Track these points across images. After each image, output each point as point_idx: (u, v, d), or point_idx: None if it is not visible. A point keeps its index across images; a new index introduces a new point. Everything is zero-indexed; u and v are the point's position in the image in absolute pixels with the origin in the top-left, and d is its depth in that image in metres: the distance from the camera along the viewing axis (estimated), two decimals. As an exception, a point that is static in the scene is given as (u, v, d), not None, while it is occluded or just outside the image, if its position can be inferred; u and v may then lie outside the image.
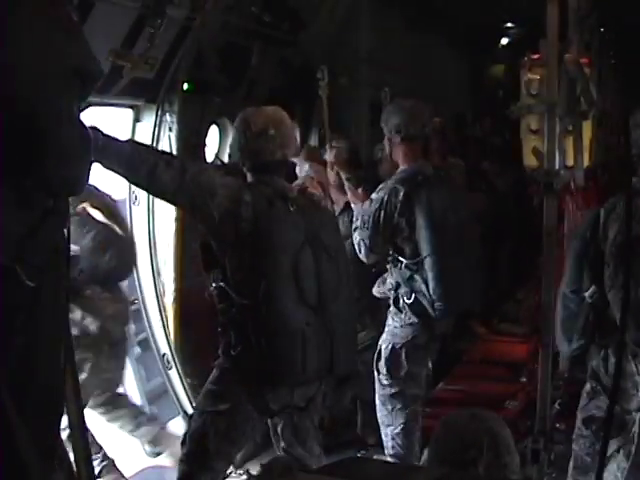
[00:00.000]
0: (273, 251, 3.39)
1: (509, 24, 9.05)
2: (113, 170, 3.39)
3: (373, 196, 4.40)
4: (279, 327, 3.38)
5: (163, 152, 3.41)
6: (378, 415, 4.61)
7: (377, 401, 4.60)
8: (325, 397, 3.91)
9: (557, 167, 3.23)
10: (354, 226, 4.48)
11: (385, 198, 4.33)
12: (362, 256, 4.45)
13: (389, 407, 4.55)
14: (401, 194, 4.30)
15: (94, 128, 3.42)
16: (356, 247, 4.44)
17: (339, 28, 6.38)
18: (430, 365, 4.84)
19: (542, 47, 3.23)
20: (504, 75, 9.87)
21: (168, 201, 3.47)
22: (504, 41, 9.57)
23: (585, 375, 3.62)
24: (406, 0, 6.72)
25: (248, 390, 3.50)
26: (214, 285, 3.48)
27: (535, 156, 3.27)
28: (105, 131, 3.28)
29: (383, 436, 4.64)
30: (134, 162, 3.33)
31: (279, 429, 3.72)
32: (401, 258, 4.40)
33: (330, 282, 3.52)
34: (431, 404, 4.87)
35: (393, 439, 4.58)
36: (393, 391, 4.52)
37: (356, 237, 4.44)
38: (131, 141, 3.32)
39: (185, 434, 3.66)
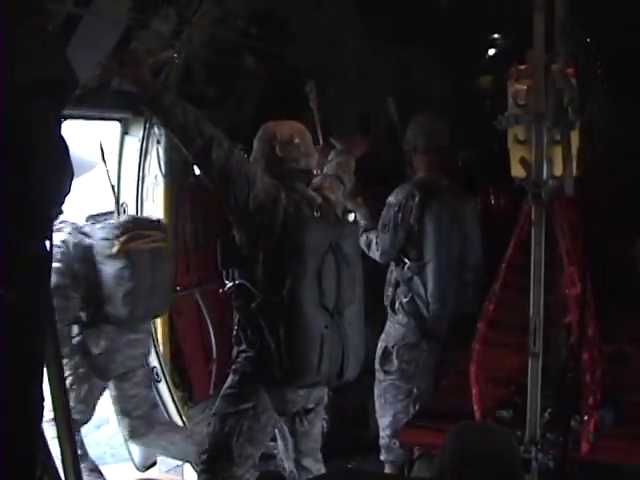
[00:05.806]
0: (301, 252, 3.46)
1: (496, 35, 9.07)
2: (169, 130, 3.50)
3: (390, 199, 4.71)
4: (300, 327, 3.44)
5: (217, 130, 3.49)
6: (376, 406, 4.99)
7: (375, 394, 4.99)
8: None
9: (545, 177, 3.24)
10: (365, 228, 4.79)
11: (403, 201, 4.65)
12: (377, 255, 4.73)
13: (382, 399, 4.94)
14: (417, 199, 4.63)
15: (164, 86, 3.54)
16: (373, 247, 4.72)
17: (326, 40, 6.40)
18: (430, 363, 5.01)
19: (529, 58, 3.25)
20: (491, 86, 9.87)
21: (211, 178, 3.50)
22: (491, 52, 9.60)
23: None
24: (393, 12, 6.72)
25: (269, 390, 3.53)
26: (232, 282, 3.55)
27: (523, 166, 3.29)
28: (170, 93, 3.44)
29: (379, 425, 4.99)
30: (193, 131, 3.38)
31: (288, 434, 3.79)
32: (405, 259, 4.71)
33: (347, 290, 3.62)
34: (420, 415, 4.86)
35: (383, 430, 4.94)
36: (386, 384, 4.91)
37: (372, 239, 4.72)
38: (193, 111, 3.37)
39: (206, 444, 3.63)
